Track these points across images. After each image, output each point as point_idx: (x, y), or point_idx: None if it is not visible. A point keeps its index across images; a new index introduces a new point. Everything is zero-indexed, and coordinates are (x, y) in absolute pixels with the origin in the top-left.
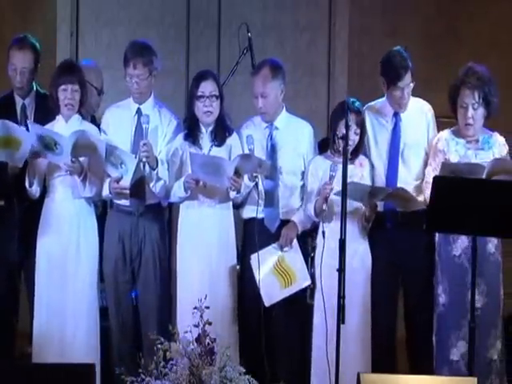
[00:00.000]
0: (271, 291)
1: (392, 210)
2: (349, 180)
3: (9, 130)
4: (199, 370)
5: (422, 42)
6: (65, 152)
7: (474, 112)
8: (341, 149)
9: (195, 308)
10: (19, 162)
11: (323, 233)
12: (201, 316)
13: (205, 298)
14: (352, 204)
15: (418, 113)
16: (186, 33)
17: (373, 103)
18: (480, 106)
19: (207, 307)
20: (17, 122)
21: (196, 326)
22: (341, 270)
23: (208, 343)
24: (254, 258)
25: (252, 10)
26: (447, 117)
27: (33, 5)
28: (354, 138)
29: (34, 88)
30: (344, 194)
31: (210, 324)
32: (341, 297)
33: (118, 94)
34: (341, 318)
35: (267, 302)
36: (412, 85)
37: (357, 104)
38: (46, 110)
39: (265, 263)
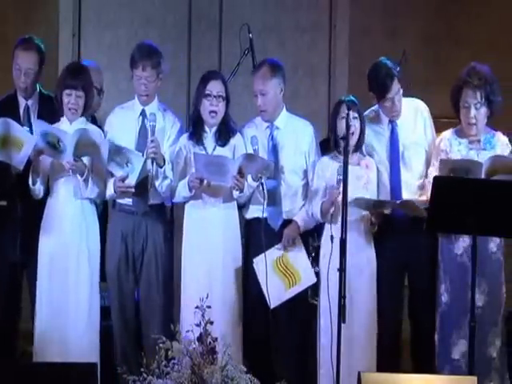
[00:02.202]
0: (276, 293)
1: (401, 214)
2: (356, 181)
3: (10, 129)
4: (201, 369)
5: (422, 44)
6: (68, 150)
7: (476, 112)
8: (341, 149)
9: (197, 307)
10: (19, 164)
11: (331, 237)
12: (202, 315)
13: (206, 298)
14: (359, 210)
15: (413, 113)
16: (188, 34)
17: (367, 112)
18: (482, 105)
19: (209, 306)
20: (20, 123)
21: (198, 325)
22: (341, 270)
23: (210, 342)
24: (256, 260)
25: (253, 11)
26: (447, 117)
27: (35, 6)
28: (354, 124)
29: (38, 89)
30: (345, 193)
31: (211, 323)
32: (342, 296)
33: (119, 94)
34: (342, 317)
35: (272, 304)
36: (401, 91)
37: (349, 97)
38: (50, 112)
39: (269, 265)
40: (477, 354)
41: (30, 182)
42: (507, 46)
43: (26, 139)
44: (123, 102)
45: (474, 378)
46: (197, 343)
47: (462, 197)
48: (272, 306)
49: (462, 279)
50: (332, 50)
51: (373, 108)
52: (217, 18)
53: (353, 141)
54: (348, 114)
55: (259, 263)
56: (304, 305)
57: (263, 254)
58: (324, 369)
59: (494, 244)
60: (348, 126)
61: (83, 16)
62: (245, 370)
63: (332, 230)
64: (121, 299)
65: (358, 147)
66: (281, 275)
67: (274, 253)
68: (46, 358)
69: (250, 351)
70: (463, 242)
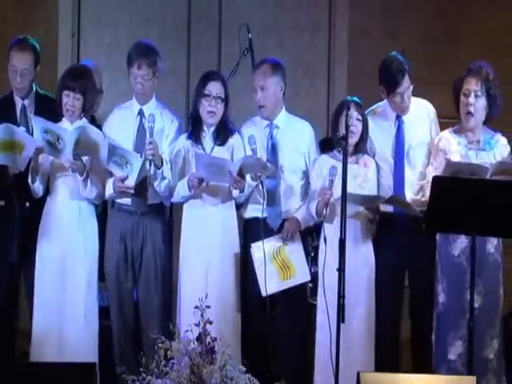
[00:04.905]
0: (269, 281)
1: (402, 211)
2: (353, 180)
3: (13, 133)
4: (200, 368)
5: (422, 44)
6: (67, 148)
7: (475, 100)
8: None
9: (196, 307)
10: (21, 166)
11: (324, 238)
12: (201, 315)
13: (205, 298)
14: (354, 207)
15: (420, 113)
16: (187, 33)
17: (374, 107)
18: (482, 95)
19: (208, 306)
20: (17, 123)
21: (197, 325)
22: (340, 270)
23: (209, 342)
24: (254, 246)
25: (252, 11)
26: (447, 117)
27: (35, 6)
28: (357, 125)
29: (34, 89)
30: (344, 193)
31: (210, 323)
32: (341, 296)
33: (118, 94)
34: (340, 317)
35: (264, 292)
36: (411, 87)
37: (355, 98)
38: (46, 111)
39: (266, 253)
40: (474, 355)
41: (30, 180)
42: (507, 46)
43: (28, 142)
44: (122, 102)
45: (473, 378)
46: (196, 343)
47: (462, 197)
48: (263, 294)
49: (459, 280)
50: (331, 50)
51: (380, 103)
52: (216, 17)
53: (353, 140)
54: (347, 114)
55: (256, 250)
56: (304, 304)
57: (261, 242)
58: (319, 366)
59: (491, 245)
60: (347, 126)
61: (82, 16)
62: (244, 369)
63: (325, 231)
64: (120, 299)
65: (359, 148)
66: (276, 266)
67: (272, 243)
68: (43, 358)
69: (250, 351)
70: (461, 243)
